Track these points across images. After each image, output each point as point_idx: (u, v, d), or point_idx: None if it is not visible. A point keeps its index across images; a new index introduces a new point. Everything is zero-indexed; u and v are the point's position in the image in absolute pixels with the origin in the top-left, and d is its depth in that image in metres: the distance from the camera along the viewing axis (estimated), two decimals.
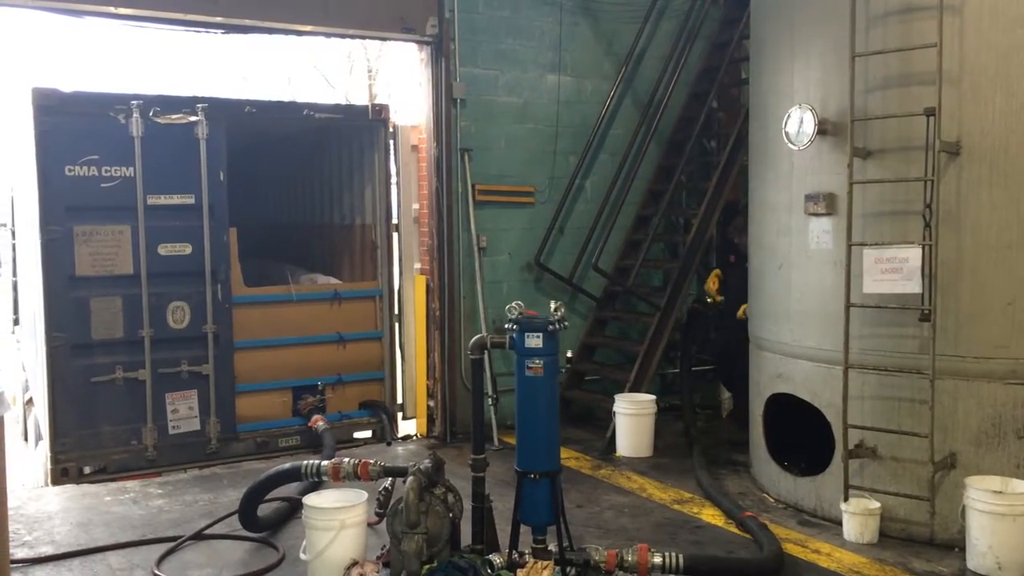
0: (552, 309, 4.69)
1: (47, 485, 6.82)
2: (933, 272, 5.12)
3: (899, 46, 5.24)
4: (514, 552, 4.66)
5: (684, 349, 8.52)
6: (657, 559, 4.61)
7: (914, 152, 5.20)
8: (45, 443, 7.00)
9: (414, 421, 8.36)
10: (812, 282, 5.79)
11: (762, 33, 6.43)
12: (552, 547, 4.67)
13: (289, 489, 5.70)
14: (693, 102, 8.90)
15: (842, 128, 5.47)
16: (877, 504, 5.37)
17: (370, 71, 18.92)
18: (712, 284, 8.21)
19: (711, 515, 5.88)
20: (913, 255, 5.15)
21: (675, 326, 8.34)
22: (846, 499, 5.44)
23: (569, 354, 8.32)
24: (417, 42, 7.95)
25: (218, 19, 7.08)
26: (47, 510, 6.08)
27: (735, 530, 5.58)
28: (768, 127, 6.14)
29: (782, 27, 6.06)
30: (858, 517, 5.36)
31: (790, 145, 5.79)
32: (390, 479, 5.10)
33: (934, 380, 5.10)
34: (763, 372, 6.32)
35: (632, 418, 7.35)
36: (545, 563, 4.52)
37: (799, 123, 5.70)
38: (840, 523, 5.48)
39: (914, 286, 5.15)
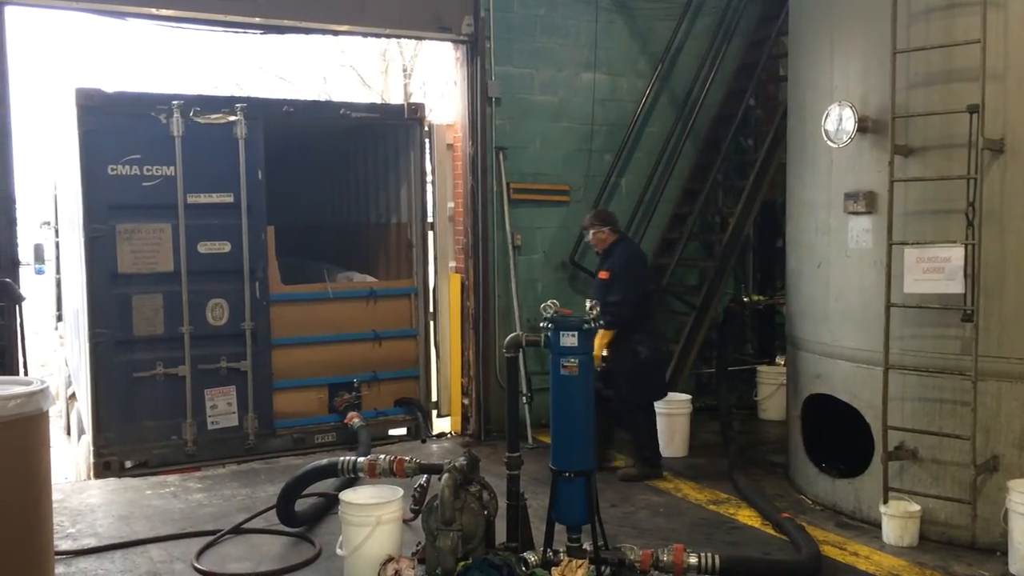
0: (587, 308, 4.68)
1: (90, 478, 6.95)
2: (976, 272, 5.02)
3: (942, 42, 5.15)
4: (549, 550, 4.67)
5: (720, 349, 8.46)
6: (693, 559, 4.58)
7: (957, 150, 5.11)
8: (88, 437, 7.12)
9: (449, 419, 8.39)
10: (851, 281, 5.72)
11: (801, 29, 6.36)
12: (587, 546, 4.66)
13: (325, 485, 5.74)
14: (730, 100, 8.83)
15: (883, 125, 5.39)
16: (917, 507, 5.29)
17: (405, 70, 19.02)
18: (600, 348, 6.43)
19: (747, 516, 5.84)
20: (955, 254, 5.07)
21: (711, 325, 8.27)
22: (885, 501, 5.36)
23: (604, 353, 8.37)
24: (453, 41, 7.98)
25: (256, 20, 7.17)
26: (90, 503, 6.20)
27: (772, 531, 5.53)
28: (806, 124, 6.08)
29: (821, 23, 5.99)
30: (898, 520, 5.29)
31: (829, 143, 5.72)
32: (425, 476, 5.13)
33: (976, 382, 5.01)
34: (801, 372, 6.26)
35: (667, 418, 7.31)
36: (580, 562, 4.52)
37: (838, 120, 5.63)
38: (879, 526, 5.41)
39: (956, 286, 5.06)
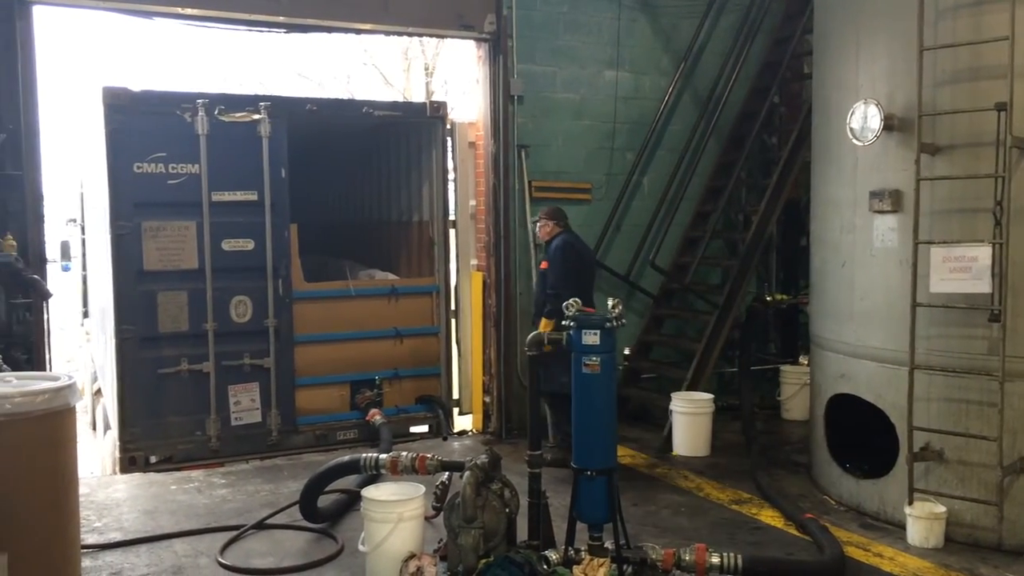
0: (609, 306, 4.67)
1: (115, 473, 7.02)
2: (1003, 271, 4.97)
3: (969, 39, 5.09)
4: (570, 549, 4.66)
5: (743, 348, 8.41)
6: (715, 559, 4.56)
7: (984, 148, 5.05)
8: (114, 432, 7.20)
9: (470, 417, 8.41)
10: (876, 281, 5.68)
11: (826, 27, 6.31)
12: (608, 545, 4.66)
13: (348, 481, 5.77)
14: (754, 97, 8.78)
15: (909, 123, 5.34)
16: (943, 508, 5.24)
17: (427, 68, 19.05)
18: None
19: (770, 516, 5.81)
20: (983, 254, 5.01)
21: (734, 325, 8.23)
22: (910, 502, 5.32)
23: (626, 351, 8.36)
24: (475, 39, 7.98)
25: (280, 19, 7.21)
26: (116, 497, 6.26)
27: (795, 532, 5.50)
28: (831, 122, 6.03)
29: (847, 20, 5.95)
30: (923, 521, 5.24)
31: (854, 141, 5.68)
32: (447, 474, 5.13)
33: (1004, 382, 4.96)
34: (825, 372, 6.22)
35: (689, 417, 7.29)
36: (601, 560, 4.51)
37: (864, 118, 5.58)
38: (904, 527, 5.36)
39: (983, 285, 5.01)
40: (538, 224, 7.19)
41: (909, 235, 5.29)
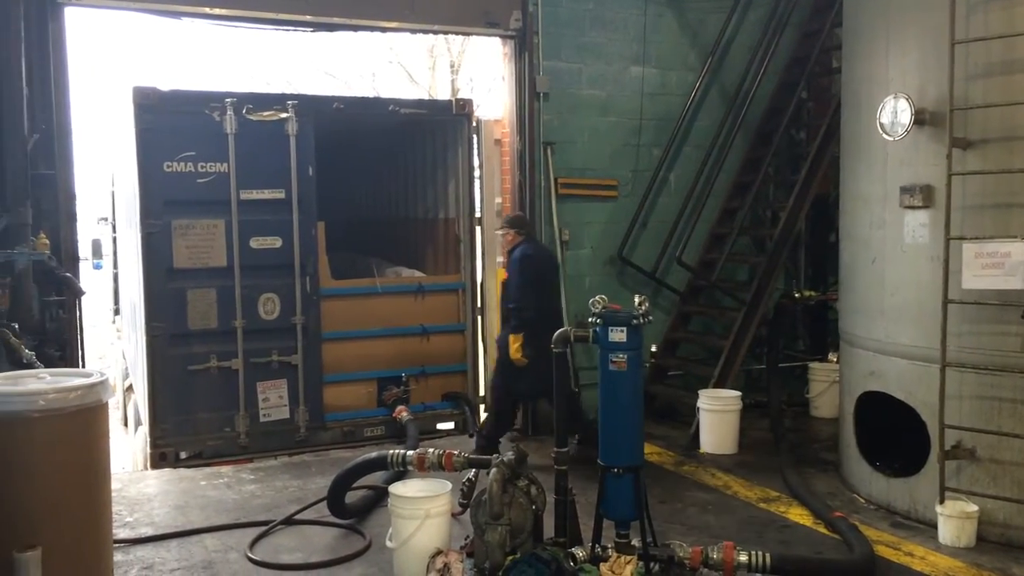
0: (636, 303, 4.66)
1: (146, 469, 7.10)
2: None
3: (1002, 32, 5.01)
4: (597, 546, 4.66)
5: (771, 345, 8.35)
6: (743, 557, 4.54)
7: (1018, 142, 4.98)
8: (144, 428, 7.29)
9: None
10: (907, 277, 5.61)
11: (856, 20, 6.24)
12: (635, 542, 4.65)
13: (375, 478, 5.80)
14: (782, 92, 8.71)
15: (940, 118, 5.27)
16: (975, 507, 5.17)
17: (453, 66, 19.08)
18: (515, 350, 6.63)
19: (799, 515, 5.77)
20: (1016, 249, 4.94)
21: (761, 322, 8.17)
22: (942, 501, 5.26)
23: (653, 348, 8.32)
24: (501, 36, 7.99)
25: (307, 17, 7.25)
26: (147, 493, 6.34)
27: (824, 530, 5.45)
28: (861, 117, 5.97)
29: (877, 14, 5.88)
30: (954, 520, 5.18)
31: (884, 136, 5.61)
32: (474, 470, 5.15)
33: None
34: (855, 369, 6.16)
35: (716, 414, 7.25)
36: (628, 558, 4.51)
37: (894, 113, 5.52)
38: (935, 526, 5.30)
39: (1017, 282, 4.93)
40: (500, 233, 7.12)
41: (940, 231, 5.22)
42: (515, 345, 6.55)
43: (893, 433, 5.86)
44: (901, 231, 5.62)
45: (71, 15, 6.63)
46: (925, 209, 5.44)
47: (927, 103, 5.38)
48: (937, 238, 5.29)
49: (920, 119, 5.38)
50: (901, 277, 5.66)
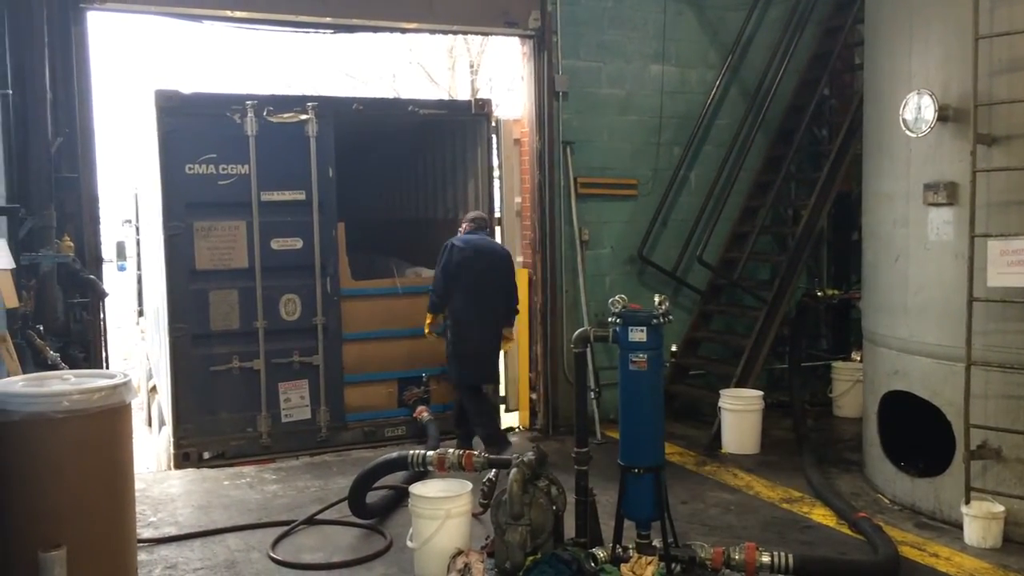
0: (656, 303, 4.64)
1: (170, 469, 7.16)
2: None
3: None
4: (618, 546, 4.64)
5: (793, 344, 8.30)
6: (765, 558, 4.51)
7: None
8: (168, 429, 7.34)
9: (516, 414, 8.41)
10: (931, 275, 5.55)
11: (878, 16, 6.18)
12: (656, 543, 4.63)
13: (396, 478, 5.82)
14: (803, 90, 8.64)
15: (964, 114, 5.21)
16: (1001, 508, 5.11)
17: (472, 66, 19.11)
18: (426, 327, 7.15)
19: (822, 515, 5.72)
20: None
21: (783, 321, 8.12)
22: (967, 502, 5.19)
23: (673, 348, 8.30)
24: (520, 36, 7.98)
25: (327, 19, 7.28)
26: (170, 492, 6.39)
27: (847, 531, 5.40)
28: (884, 114, 5.91)
29: (899, 9, 5.82)
30: (980, 521, 5.12)
31: (908, 132, 5.56)
32: (494, 471, 5.14)
33: None
34: (878, 368, 6.10)
35: (738, 414, 7.21)
36: (649, 558, 4.48)
37: (917, 109, 5.46)
38: (960, 527, 5.24)
39: None
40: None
41: (965, 228, 5.16)
42: (426, 321, 7.10)
43: (917, 433, 5.80)
44: (925, 229, 5.56)
45: (94, 19, 6.69)
46: (949, 206, 5.38)
47: (951, 99, 5.32)
48: (962, 235, 5.23)
49: (944, 115, 5.32)
50: (925, 275, 5.60)
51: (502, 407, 8.39)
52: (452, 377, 7.16)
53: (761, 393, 7.35)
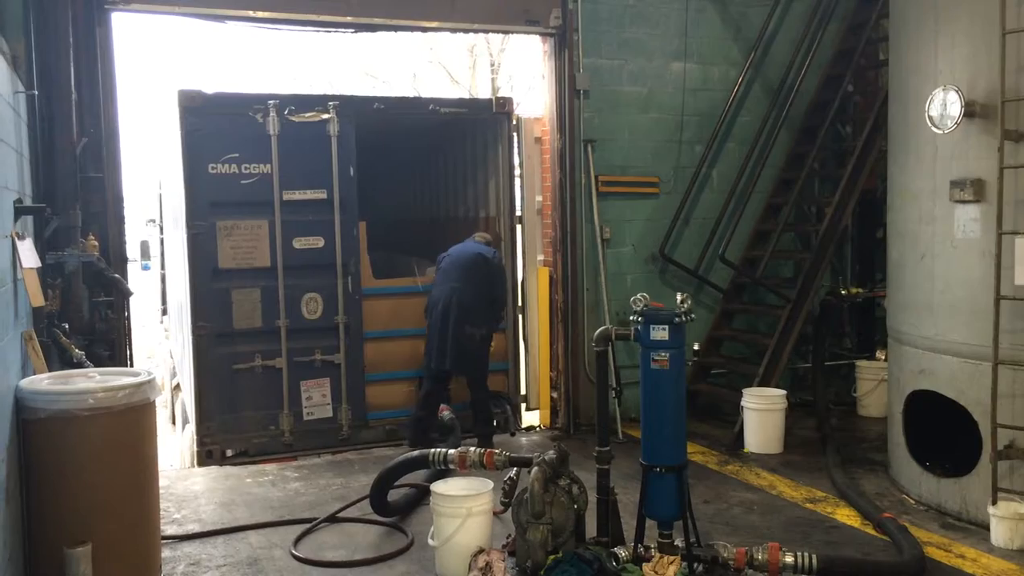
0: (678, 301, 4.61)
1: (193, 466, 7.21)
2: None
3: None
4: (639, 546, 4.63)
5: (817, 343, 8.23)
6: (789, 559, 4.47)
7: None
8: (191, 426, 7.40)
9: (537, 412, 8.40)
10: (958, 273, 5.49)
11: (903, 11, 6.12)
12: (678, 542, 4.61)
13: (417, 476, 5.82)
14: (827, 86, 8.56)
15: (991, 110, 5.14)
16: None
17: (492, 65, 19.13)
18: None
19: (846, 515, 5.67)
20: None
21: (807, 319, 8.06)
22: (994, 502, 5.13)
23: (695, 347, 8.25)
24: (541, 34, 7.97)
25: (348, 19, 7.30)
26: (193, 490, 6.44)
27: (872, 531, 5.35)
28: (909, 110, 5.85)
29: (925, 4, 5.75)
30: (1008, 521, 5.05)
31: (934, 129, 5.50)
32: (515, 469, 5.14)
33: None
34: (903, 368, 6.04)
35: (761, 413, 7.16)
36: (672, 558, 4.47)
37: (943, 105, 5.40)
38: (987, 527, 5.18)
39: None
40: None
41: (992, 225, 5.09)
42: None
43: (944, 433, 5.73)
44: (951, 226, 5.49)
45: (118, 20, 6.74)
46: (976, 203, 5.32)
47: (977, 95, 5.25)
48: (988, 233, 5.16)
49: (970, 111, 5.26)
50: (951, 273, 5.53)
51: (523, 406, 8.39)
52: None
53: (784, 392, 7.30)
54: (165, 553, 5.01)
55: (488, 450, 5.16)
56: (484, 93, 18.22)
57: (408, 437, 7.36)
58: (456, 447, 5.41)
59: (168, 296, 11.51)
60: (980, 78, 5.26)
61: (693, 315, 4.66)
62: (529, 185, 8.31)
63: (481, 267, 7.34)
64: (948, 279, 5.56)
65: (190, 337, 7.20)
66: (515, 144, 8.23)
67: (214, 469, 6.99)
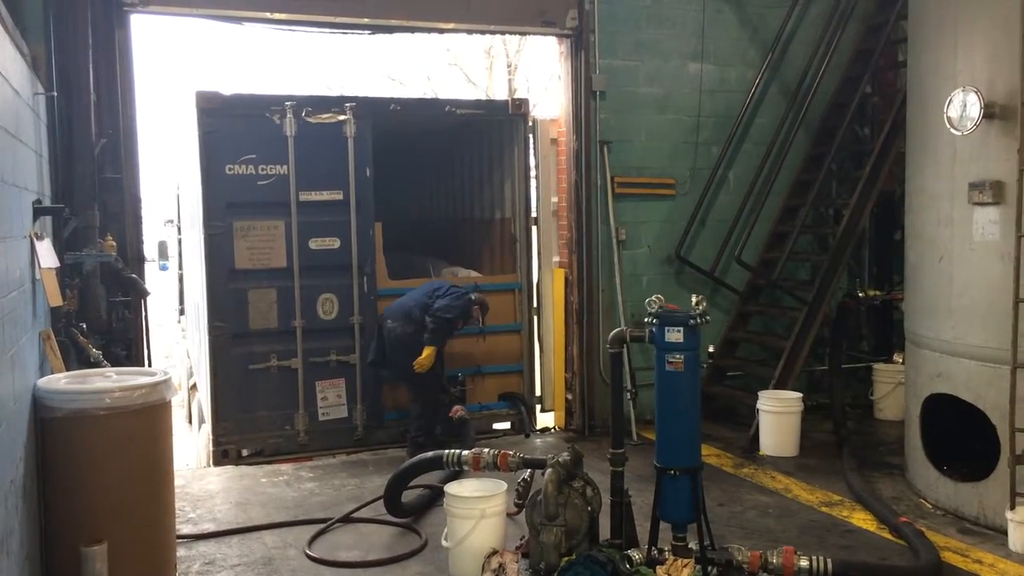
0: (693, 303, 4.59)
1: (209, 466, 7.25)
2: None
3: None
4: (653, 549, 4.61)
5: (834, 345, 8.18)
6: (804, 563, 4.44)
7: None
8: (207, 426, 7.44)
9: (552, 414, 8.39)
10: (976, 276, 5.44)
11: (922, 12, 6.07)
12: (692, 545, 4.59)
13: (431, 477, 5.83)
14: (845, 87, 8.52)
15: (1011, 111, 5.09)
16: None
17: (509, 66, 19.12)
18: None
19: (862, 519, 5.63)
20: None
21: (824, 321, 8.01)
22: (1012, 507, 5.07)
23: (711, 349, 8.22)
24: (557, 35, 7.96)
25: (365, 20, 7.32)
26: (209, 489, 6.47)
27: (888, 536, 5.31)
28: (928, 111, 5.80)
29: (944, 5, 5.70)
30: None
31: (952, 130, 5.45)
32: (529, 471, 5.14)
33: None
34: (921, 371, 5.99)
35: (777, 416, 7.12)
36: (686, 561, 4.45)
37: (962, 106, 5.36)
38: (1005, 533, 5.14)
39: None
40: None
41: (1012, 228, 5.05)
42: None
43: (962, 437, 5.68)
44: (970, 228, 5.45)
45: (136, 21, 6.79)
46: (995, 205, 5.27)
47: (997, 96, 5.21)
48: (1008, 235, 5.12)
49: (990, 113, 5.22)
50: (970, 276, 5.49)
51: (537, 407, 8.39)
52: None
53: (800, 395, 7.25)
54: (180, 552, 5.04)
55: (502, 451, 5.16)
56: (501, 94, 18.21)
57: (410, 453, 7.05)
58: (470, 448, 5.41)
59: (185, 296, 11.57)
60: (1000, 79, 5.21)
61: (708, 317, 4.64)
62: (545, 186, 8.30)
63: (431, 291, 7.25)
64: (966, 282, 5.51)
65: (206, 337, 7.24)
66: (531, 145, 8.24)
67: (229, 469, 7.02)
